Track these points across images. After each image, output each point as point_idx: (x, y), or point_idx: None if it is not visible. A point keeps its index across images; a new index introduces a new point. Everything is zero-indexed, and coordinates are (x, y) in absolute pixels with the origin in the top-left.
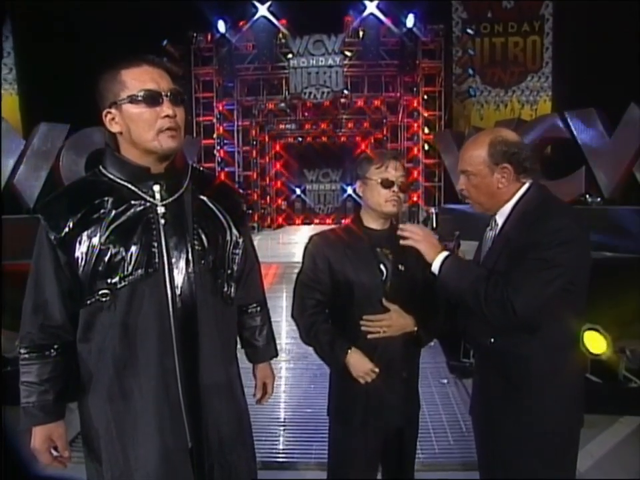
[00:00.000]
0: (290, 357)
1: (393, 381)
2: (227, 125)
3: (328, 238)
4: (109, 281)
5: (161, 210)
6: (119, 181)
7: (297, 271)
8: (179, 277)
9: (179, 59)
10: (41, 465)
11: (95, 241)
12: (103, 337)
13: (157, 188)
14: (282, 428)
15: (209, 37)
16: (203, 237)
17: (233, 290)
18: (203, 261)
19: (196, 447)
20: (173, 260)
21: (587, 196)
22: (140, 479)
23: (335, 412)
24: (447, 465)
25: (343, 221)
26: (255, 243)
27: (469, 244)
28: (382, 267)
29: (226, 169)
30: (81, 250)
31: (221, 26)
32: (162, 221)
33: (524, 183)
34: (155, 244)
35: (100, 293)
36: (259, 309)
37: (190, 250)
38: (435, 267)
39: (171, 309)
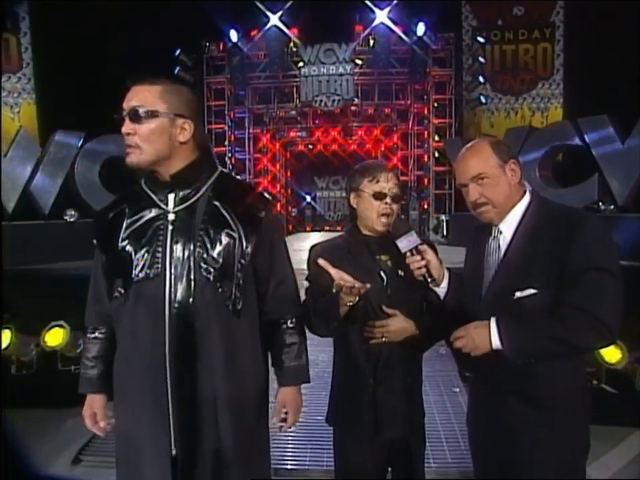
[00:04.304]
0: None
1: (398, 387)
2: (238, 132)
3: (328, 247)
4: (122, 281)
5: (171, 217)
6: (145, 189)
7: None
8: (179, 284)
9: (191, 67)
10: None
11: (115, 243)
12: (118, 331)
13: (171, 196)
14: (291, 434)
15: (222, 46)
16: (208, 245)
17: (239, 301)
18: (203, 269)
19: (185, 456)
20: (175, 266)
21: (600, 203)
22: (124, 472)
23: (339, 421)
24: (460, 473)
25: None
26: None
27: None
28: (382, 273)
29: (237, 176)
30: (107, 251)
31: (233, 35)
32: (170, 228)
33: (524, 191)
34: (160, 249)
35: (118, 290)
36: (289, 325)
37: (193, 257)
38: (497, 344)
39: (167, 315)
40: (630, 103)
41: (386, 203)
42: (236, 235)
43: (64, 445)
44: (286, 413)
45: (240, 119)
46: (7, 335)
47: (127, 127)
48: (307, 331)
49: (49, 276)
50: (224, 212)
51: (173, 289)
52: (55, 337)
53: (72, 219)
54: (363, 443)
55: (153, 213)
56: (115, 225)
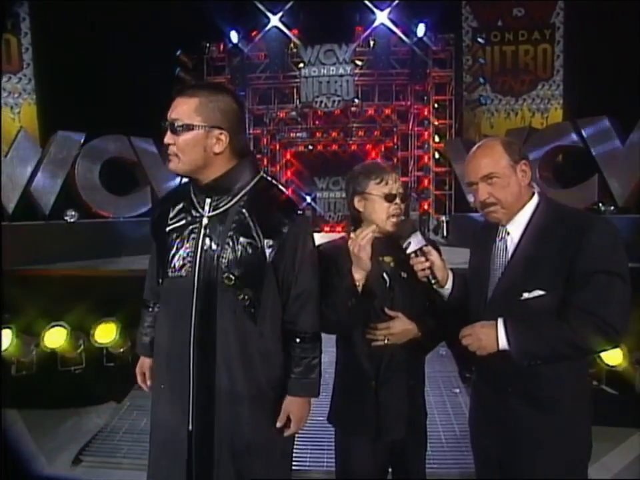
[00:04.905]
0: None
1: (400, 389)
2: None
3: (330, 249)
4: (162, 272)
5: (205, 221)
6: (190, 190)
7: None
8: (205, 286)
9: (192, 68)
10: None
11: (160, 239)
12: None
13: (207, 201)
14: None
15: (222, 47)
16: (232, 252)
17: (257, 308)
18: (225, 275)
19: (202, 434)
20: (203, 269)
21: (600, 204)
22: (152, 431)
23: (341, 422)
24: (459, 474)
25: (352, 229)
26: None
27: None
28: (385, 275)
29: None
30: (155, 243)
31: (234, 36)
32: (203, 232)
33: (533, 193)
34: (191, 252)
35: (161, 278)
36: (304, 340)
37: (217, 263)
38: (504, 345)
39: (193, 313)
40: (630, 104)
41: (396, 204)
42: (259, 246)
43: (64, 445)
44: (289, 420)
45: None
46: (7, 335)
47: (167, 137)
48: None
49: (49, 276)
50: (250, 222)
51: (199, 290)
52: (54, 338)
53: (72, 220)
54: (365, 444)
55: (191, 215)
56: (161, 221)
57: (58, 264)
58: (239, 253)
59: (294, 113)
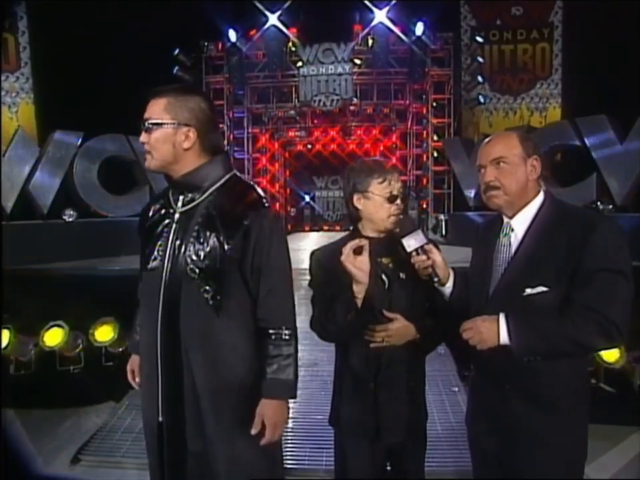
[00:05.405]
0: (300, 363)
1: (400, 391)
2: (237, 132)
3: (329, 251)
4: (141, 267)
5: (176, 216)
6: (169, 188)
7: (306, 277)
8: (171, 279)
9: (190, 67)
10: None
11: (141, 236)
12: None
13: (181, 197)
14: (291, 433)
15: (220, 46)
16: (197, 246)
17: (220, 301)
18: (189, 269)
19: (171, 425)
20: (171, 262)
21: (599, 203)
22: (144, 422)
23: (341, 423)
24: (457, 473)
25: (351, 228)
26: None
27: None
28: (384, 276)
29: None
30: (140, 240)
31: (232, 35)
32: (174, 226)
33: (539, 191)
34: (163, 247)
35: (141, 273)
36: (276, 336)
37: (184, 257)
38: (505, 340)
39: (160, 305)
40: (628, 102)
41: (397, 204)
42: (221, 239)
43: (63, 444)
44: (264, 425)
45: (239, 118)
46: (5, 335)
47: (142, 136)
48: (306, 332)
49: (47, 276)
50: (215, 216)
51: (166, 283)
52: (53, 337)
53: (70, 219)
54: (364, 444)
55: (167, 212)
56: (144, 220)
57: (56, 263)
58: (203, 247)
59: (292, 112)
